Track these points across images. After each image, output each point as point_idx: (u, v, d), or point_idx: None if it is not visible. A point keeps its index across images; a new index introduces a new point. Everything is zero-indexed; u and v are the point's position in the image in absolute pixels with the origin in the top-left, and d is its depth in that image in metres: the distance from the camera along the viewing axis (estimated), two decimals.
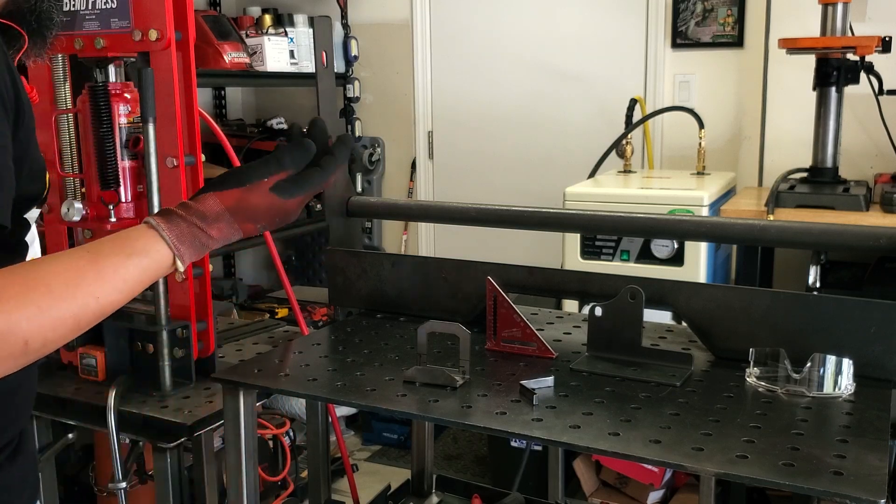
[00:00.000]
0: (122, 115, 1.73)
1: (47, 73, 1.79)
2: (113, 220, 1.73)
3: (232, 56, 3.69)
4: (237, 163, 2.09)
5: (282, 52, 4.02)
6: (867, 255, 2.92)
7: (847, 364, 1.35)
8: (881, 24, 3.25)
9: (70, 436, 1.87)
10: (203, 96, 4.55)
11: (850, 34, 3.05)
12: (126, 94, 1.74)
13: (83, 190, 1.80)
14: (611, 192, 3.06)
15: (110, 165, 1.71)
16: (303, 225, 3.95)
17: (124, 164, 1.74)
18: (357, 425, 4.02)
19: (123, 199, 1.74)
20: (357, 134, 4.49)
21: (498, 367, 1.53)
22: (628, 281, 1.56)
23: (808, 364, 1.36)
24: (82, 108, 1.74)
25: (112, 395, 1.64)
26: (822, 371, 1.35)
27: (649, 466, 2.83)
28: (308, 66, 4.13)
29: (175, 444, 1.62)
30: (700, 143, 3.28)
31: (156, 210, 1.66)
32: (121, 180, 1.73)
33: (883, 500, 1.01)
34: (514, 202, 1.94)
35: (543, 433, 1.24)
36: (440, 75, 4.38)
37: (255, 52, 3.91)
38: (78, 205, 1.74)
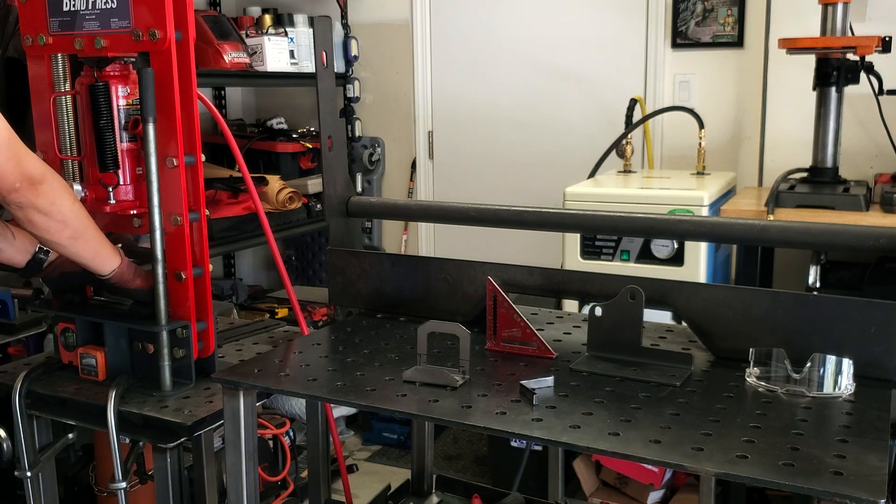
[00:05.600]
0: (122, 96, 1.72)
1: (47, 72, 1.79)
2: (112, 202, 1.73)
3: (232, 56, 3.68)
4: (242, 163, 2.09)
5: (282, 52, 4.01)
6: (867, 255, 2.92)
7: (847, 364, 1.35)
8: (881, 24, 3.25)
9: (70, 436, 1.87)
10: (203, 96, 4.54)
11: (850, 34, 3.05)
12: (125, 76, 1.74)
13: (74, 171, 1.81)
14: (611, 192, 3.05)
15: (109, 148, 1.71)
16: (303, 225, 3.95)
17: (123, 146, 1.73)
18: (357, 425, 4.01)
19: (122, 182, 1.74)
20: (357, 134, 4.49)
21: (498, 367, 1.53)
22: (628, 281, 1.56)
23: (808, 364, 1.36)
24: (81, 90, 1.73)
25: (112, 395, 1.64)
26: (822, 371, 1.36)
27: (649, 466, 2.83)
28: (308, 66, 4.13)
29: (175, 444, 1.62)
30: (700, 143, 3.28)
31: (156, 208, 1.67)
32: (119, 163, 1.73)
33: (883, 500, 1.01)
34: (514, 202, 1.94)
35: (543, 433, 1.24)
36: (440, 75, 4.38)
37: (255, 52, 3.91)
38: (77, 187, 1.74)
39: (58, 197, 1.58)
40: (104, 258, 1.72)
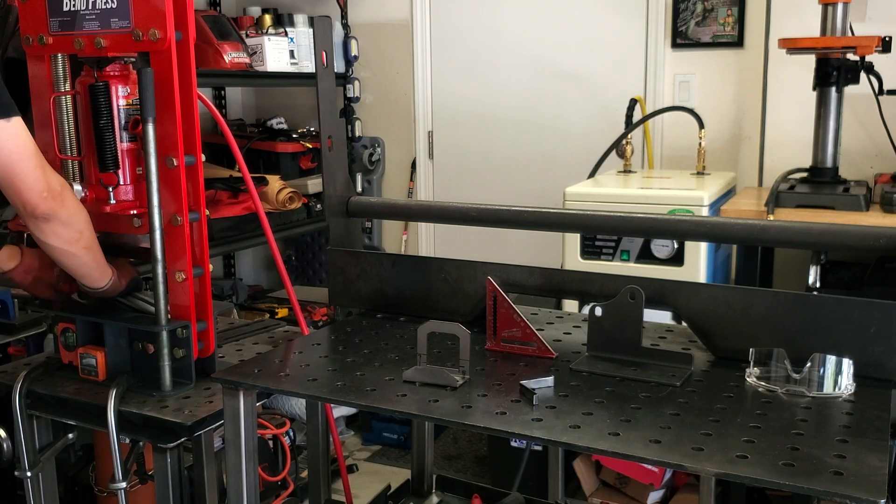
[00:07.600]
0: (122, 96, 1.72)
1: (47, 72, 1.79)
2: (112, 202, 1.73)
3: (232, 56, 3.68)
4: (242, 163, 2.09)
5: (282, 52, 4.01)
6: (867, 255, 2.92)
7: (847, 364, 1.35)
8: (881, 24, 3.25)
9: (70, 436, 1.87)
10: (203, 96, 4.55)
11: (850, 34, 3.05)
12: (125, 76, 1.74)
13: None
14: (611, 192, 3.05)
15: (109, 148, 1.71)
16: (303, 225, 3.95)
17: (123, 146, 1.73)
18: (357, 425, 4.01)
19: (122, 182, 1.74)
20: (357, 134, 4.49)
21: (498, 367, 1.53)
22: (628, 281, 1.56)
23: (808, 364, 1.36)
24: (81, 90, 1.73)
25: (112, 395, 1.64)
26: (822, 371, 1.36)
27: (649, 466, 2.83)
28: (308, 66, 4.13)
29: (175, 444, 1.61)
30: (700, 143, 3.28)
31: (156, 208, 1.67)
32: (119, 163, 1.73)
33: (883, 500, 1.01)
34: (514, 202, 1.94)
35: (543, 433, 1.24)
36: (440, 75, 4.38)
37: (255, 52, 3.90)
38: (77, 187, 1.74)
39: (76, 207, 1.62)
40: (103, 269, 1.74)
